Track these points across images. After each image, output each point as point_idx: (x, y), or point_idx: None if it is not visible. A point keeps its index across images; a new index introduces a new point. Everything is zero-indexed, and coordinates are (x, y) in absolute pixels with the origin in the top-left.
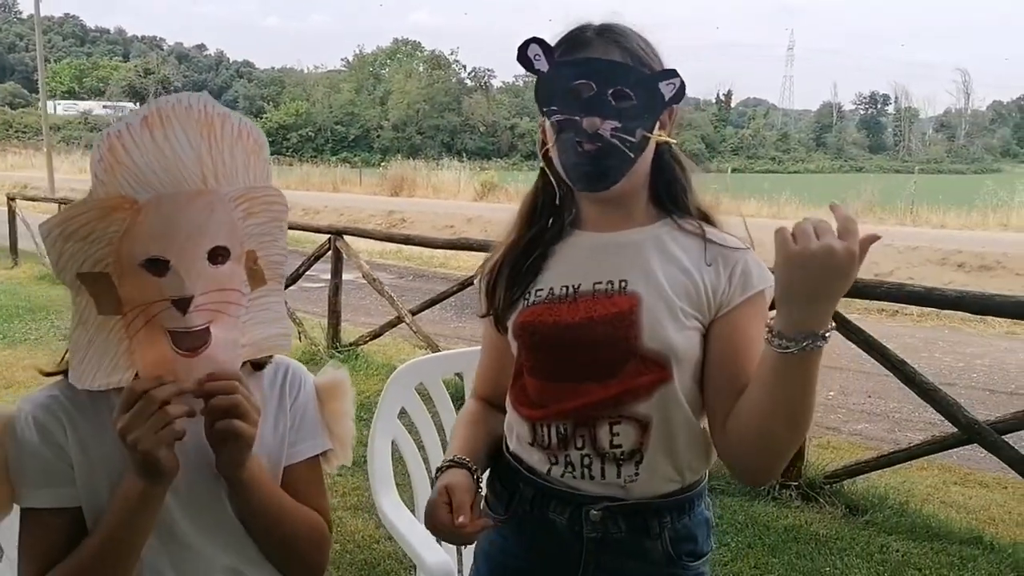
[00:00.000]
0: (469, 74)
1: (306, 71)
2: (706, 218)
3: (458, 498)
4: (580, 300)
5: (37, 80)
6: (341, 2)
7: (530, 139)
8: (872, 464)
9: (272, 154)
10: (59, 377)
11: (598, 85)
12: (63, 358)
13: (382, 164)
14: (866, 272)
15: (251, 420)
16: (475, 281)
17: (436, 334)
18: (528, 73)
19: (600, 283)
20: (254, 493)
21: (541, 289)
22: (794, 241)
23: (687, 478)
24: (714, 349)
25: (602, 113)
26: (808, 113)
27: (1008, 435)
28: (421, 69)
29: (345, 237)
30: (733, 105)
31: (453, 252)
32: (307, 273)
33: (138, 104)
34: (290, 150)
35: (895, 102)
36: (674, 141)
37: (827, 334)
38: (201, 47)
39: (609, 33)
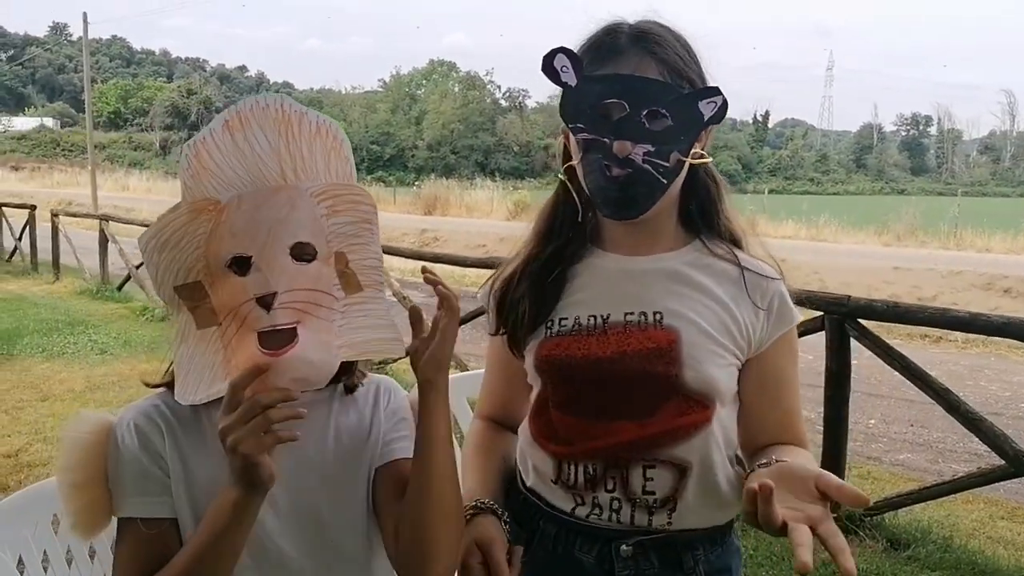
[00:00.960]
0: (504, 94)
1: (344, 92)
2: (735, 241)
3: (495, 556)
4: (611, 332)
5: (84, 100)
6: (379, 24)
7: None
8: (915, 496)
9: None
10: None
11: (631, 105)
12: (167, 370)
13: (416, 183)
14: (908, 296)
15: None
16: (478, 295)
17: (466, 353)
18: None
19: (632, 314)
20: (442, 418)
21: (566, 318)
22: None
23: (724, 517)
24: (753, 386)
25: (634, 136)
26: (848, 134)
27: None
28: (456, 90)
29: None
30: (771, 126)
31: (485, 271)
32: None
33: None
34: None
35: (937, 123)
36: (711, 159)
37: None
38: (242, 68)
39: (645, 41)
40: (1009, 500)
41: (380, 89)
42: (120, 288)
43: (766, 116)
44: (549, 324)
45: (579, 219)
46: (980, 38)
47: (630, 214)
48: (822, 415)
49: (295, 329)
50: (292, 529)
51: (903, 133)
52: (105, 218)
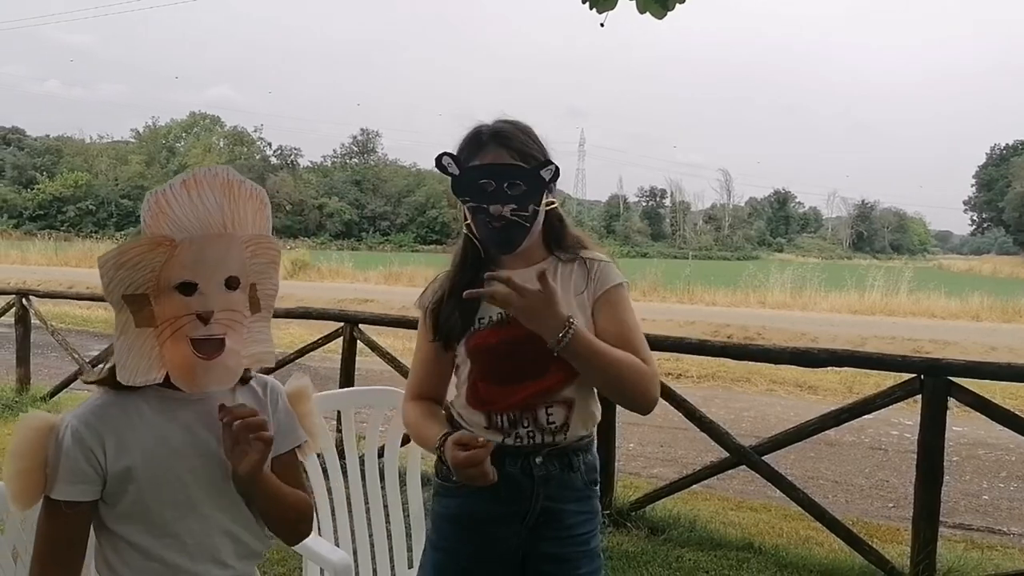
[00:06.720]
0: (275, 152)
1: (88, 140)
2: (580, 245)
3: (464, 437)
4: (512, 322)
5: None
6: (131, 72)
7: (339, 219)
8: (666, 490)
9: (44, 228)
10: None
11: (496, 182)
12: (102, 370)
13: None
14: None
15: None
16: (415, 304)
17: None
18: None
19: None
20: (265, 486)
21: (483, 318)
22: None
23: (590, 429)
24: (598, 327)
25: (502, 200)
26: (599, 203)
27: (765, 456)
28: (221, 144)
29: None
30: None
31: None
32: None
33: None
34: (66, 224)
35: (671, 196)
36: (556, 203)
37: (563, 336)
38: None
39: (500, 137)
40: (735, 496)
41: (132, 140)
42: (50, 397)
43: None
44: (474, 324)
45: (482, 256)
46: (701, 124)
47: (509, 249)
48: None
49: (224, 340)
50: (208, 479)
51: (643, 204)
52: (25, 293)
